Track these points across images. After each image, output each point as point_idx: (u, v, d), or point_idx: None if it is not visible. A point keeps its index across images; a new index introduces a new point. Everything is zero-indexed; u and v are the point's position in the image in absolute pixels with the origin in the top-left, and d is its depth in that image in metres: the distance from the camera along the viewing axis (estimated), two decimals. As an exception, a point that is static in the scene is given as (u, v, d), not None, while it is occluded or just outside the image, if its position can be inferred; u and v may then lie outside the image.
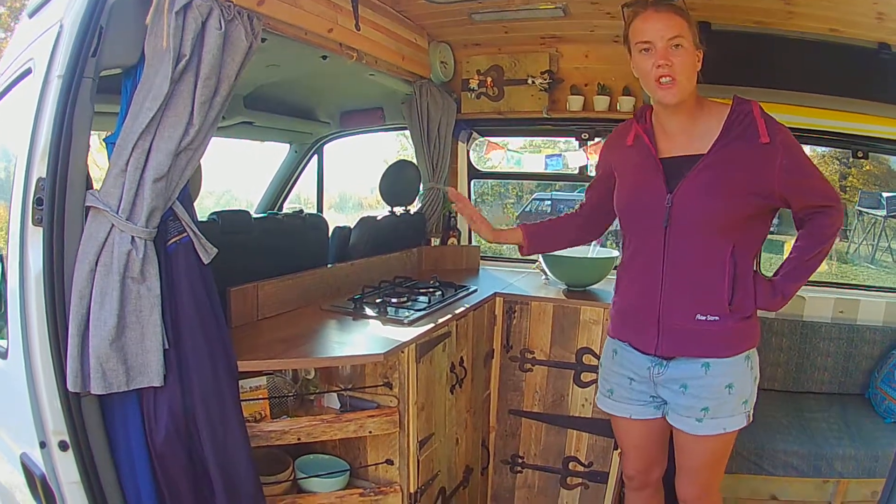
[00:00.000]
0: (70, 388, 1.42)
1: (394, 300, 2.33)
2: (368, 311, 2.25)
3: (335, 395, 2.02)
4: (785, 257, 1.74)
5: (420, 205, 3.37)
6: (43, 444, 1.47)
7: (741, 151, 1.60)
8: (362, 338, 1.95)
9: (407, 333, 2.00)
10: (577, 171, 3.39)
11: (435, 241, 3.39)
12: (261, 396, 1.91)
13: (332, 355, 1.84)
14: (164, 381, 1.52)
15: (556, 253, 2.75)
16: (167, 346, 1.54)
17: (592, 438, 2.60)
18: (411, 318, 2.13)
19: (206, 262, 1.62)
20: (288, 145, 4.08)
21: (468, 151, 3.52)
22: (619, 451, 2.49)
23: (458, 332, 2.31)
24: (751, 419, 1.73)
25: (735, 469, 2.48)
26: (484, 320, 2.58)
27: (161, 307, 1.52)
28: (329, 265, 2.58)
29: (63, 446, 1.46)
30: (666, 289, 1.68)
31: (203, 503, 1.66)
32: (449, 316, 2.25)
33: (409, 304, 2.33)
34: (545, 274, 2.94)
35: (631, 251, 1.79)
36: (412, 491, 2.02)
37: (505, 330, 2.69)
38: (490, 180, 6.14)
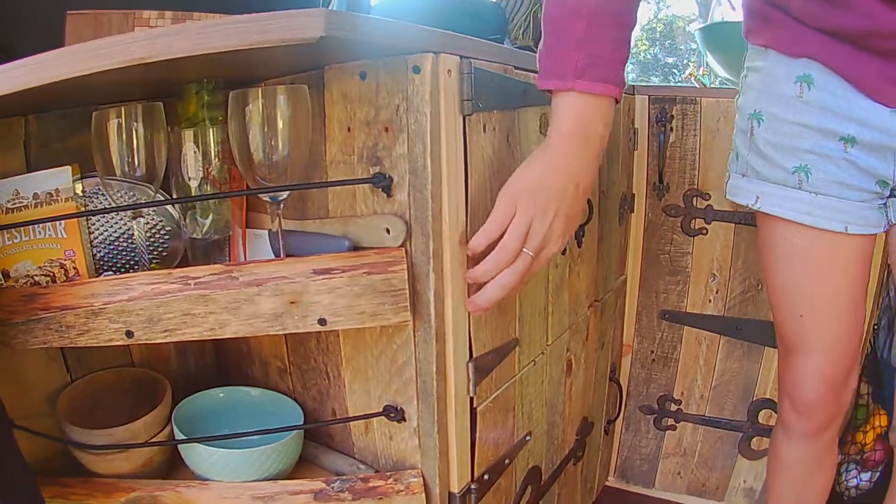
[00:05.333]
0: None
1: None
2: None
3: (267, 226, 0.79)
4: None
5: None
6: None
7: None
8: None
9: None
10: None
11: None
12: (61, 216, 0.71)
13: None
14: None
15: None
16: None
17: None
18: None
19: None
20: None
21: None
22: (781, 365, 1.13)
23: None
24: None
25: None
26: (619, 135, 1.26)
27: None
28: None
29: None
30: None
31: None
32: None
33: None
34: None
35: None
36: (455, 490, 0.76)
37: (656, 154, 1.37)
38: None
